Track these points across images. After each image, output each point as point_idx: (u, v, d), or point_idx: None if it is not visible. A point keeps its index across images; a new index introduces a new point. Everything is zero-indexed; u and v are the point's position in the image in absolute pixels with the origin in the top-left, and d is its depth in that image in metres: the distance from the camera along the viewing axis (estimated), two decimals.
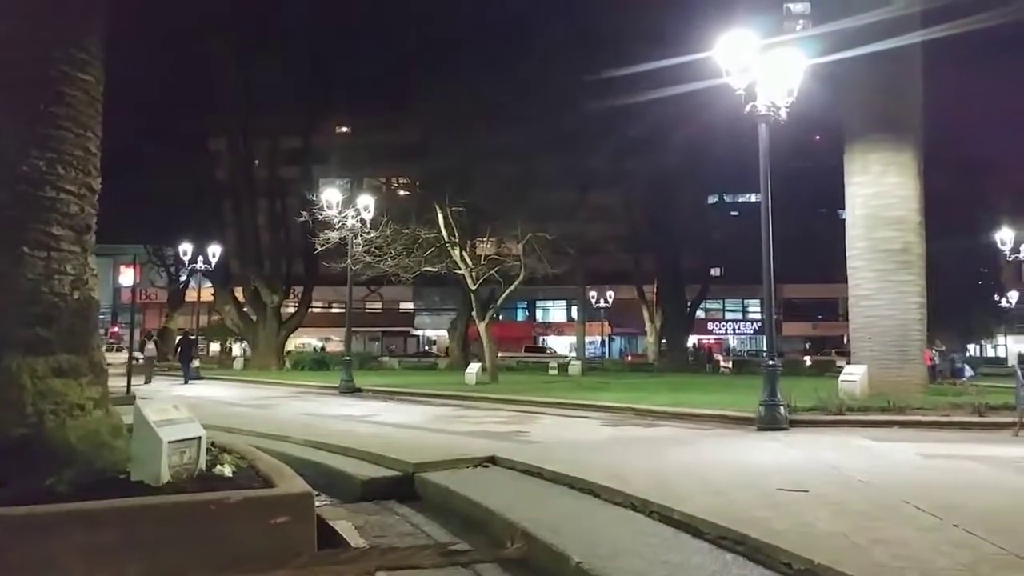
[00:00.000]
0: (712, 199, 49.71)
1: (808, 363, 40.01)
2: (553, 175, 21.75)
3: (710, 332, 58.93)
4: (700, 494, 5.49)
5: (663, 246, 40.13)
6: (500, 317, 50.72)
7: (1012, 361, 32.92)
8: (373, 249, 21.21)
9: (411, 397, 17.13)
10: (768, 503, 5.16)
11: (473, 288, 22.12)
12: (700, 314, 50.91)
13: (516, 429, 10.62)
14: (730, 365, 43.38)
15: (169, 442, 3.99)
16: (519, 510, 5.41)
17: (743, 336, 59.98)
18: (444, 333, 47.52)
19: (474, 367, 21.02)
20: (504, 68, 24.66)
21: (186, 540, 3.52)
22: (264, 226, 35.26)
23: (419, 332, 60.63)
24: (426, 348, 54.79)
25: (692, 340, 50.05)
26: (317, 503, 5.53)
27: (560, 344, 54.91)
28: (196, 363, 26.95)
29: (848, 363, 15.23)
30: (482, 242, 22.54)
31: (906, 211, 14.15)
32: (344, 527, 5.38)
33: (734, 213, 50.94)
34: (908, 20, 14.09)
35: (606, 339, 52.67)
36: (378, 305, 51.75)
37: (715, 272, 46.37)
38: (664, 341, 42.16)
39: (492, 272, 22.14)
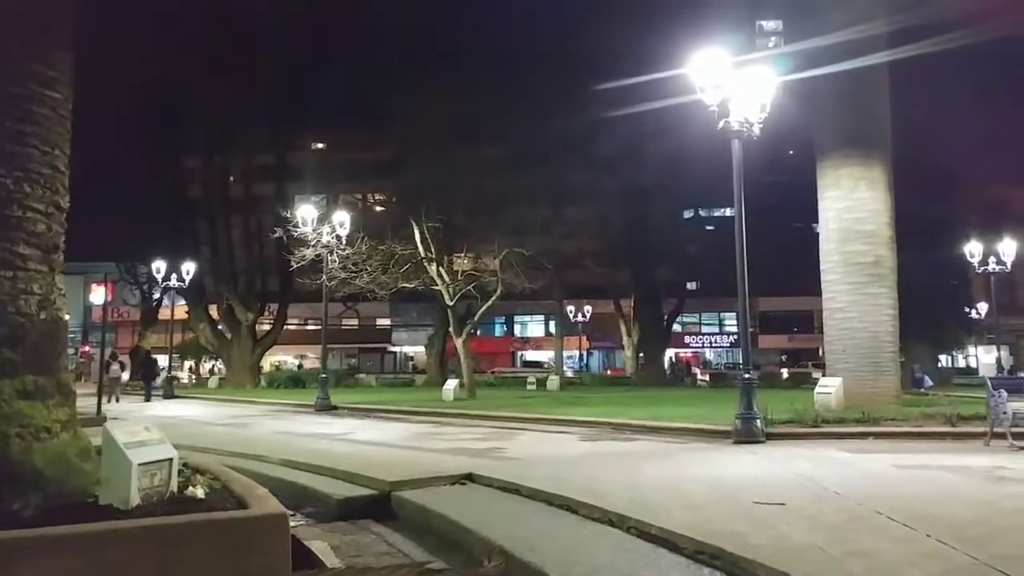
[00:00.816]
0: (688, 213, 50.05)
1: (785, 376, 40.32)
2: (530, 191, 21.84)
3: (687, 345, 59.20)
4: (677, 509, 5.49)
5: (639, 260, 40.32)
6: (478, 332, 50.68)
7: (983, 372, 33.44)
8: (349, 266, 21.11)
9: (388, 414, 17.01)
10: (745, 517, 5.17)
11: (450, 304, 22.08)
12: (677, 328, 51.12)
13: (494, 446, 10.57)
14: (707, 378, 43.60)
15: (139, 464, 3.91)
16: (496, 527, 5.38)
17: (720, 349, 60.29)
18: (422, 349, 47.32)
19: (451, 383, 20.93)
20: (481, 85, 24.77)
21: (157, 565, 3.45)
22: (239, 243, 34.97)
23: (396, 348, 60.30)
24: (412, 365, 54.52)
25: (669, 353, 50.24)
26: (292, 523, 5.45)
27: (544, 359, 54.92)
28: (157, 381, 26.73)
29: (823, 375, 15.37)
30: (459, 258, 22.51)
31: (877, 225, 14.37)
32: (319, 547, 5.31)
33: (709, 227, 51.32)
34: (875, 40, 14.38)
35: (584, 353, 52.66)
36: (355, 322, 51.44)
37: (691, 286, 46.61)
38: (642, 355, 42.28)
39: (469, 288, 22.11)
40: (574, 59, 28.30)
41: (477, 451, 9.91)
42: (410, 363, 56.07)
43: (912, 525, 4.79)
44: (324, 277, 20.04)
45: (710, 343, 60.79)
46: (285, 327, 37.78)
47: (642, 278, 41.49)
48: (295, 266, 21.83)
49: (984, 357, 43.31)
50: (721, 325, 60.22)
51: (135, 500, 3.83)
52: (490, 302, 22.56)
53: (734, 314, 52.79)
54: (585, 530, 5.36)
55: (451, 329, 22.89)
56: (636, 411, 14.66)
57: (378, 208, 28.34)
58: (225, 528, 3.75)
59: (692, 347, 59.91)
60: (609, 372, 51.16)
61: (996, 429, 9.60)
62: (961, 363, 47.13)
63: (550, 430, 12.98)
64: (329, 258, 19.92)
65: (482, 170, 22.59)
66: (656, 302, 41.94)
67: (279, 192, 32.54)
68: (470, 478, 7.48)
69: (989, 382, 10.33)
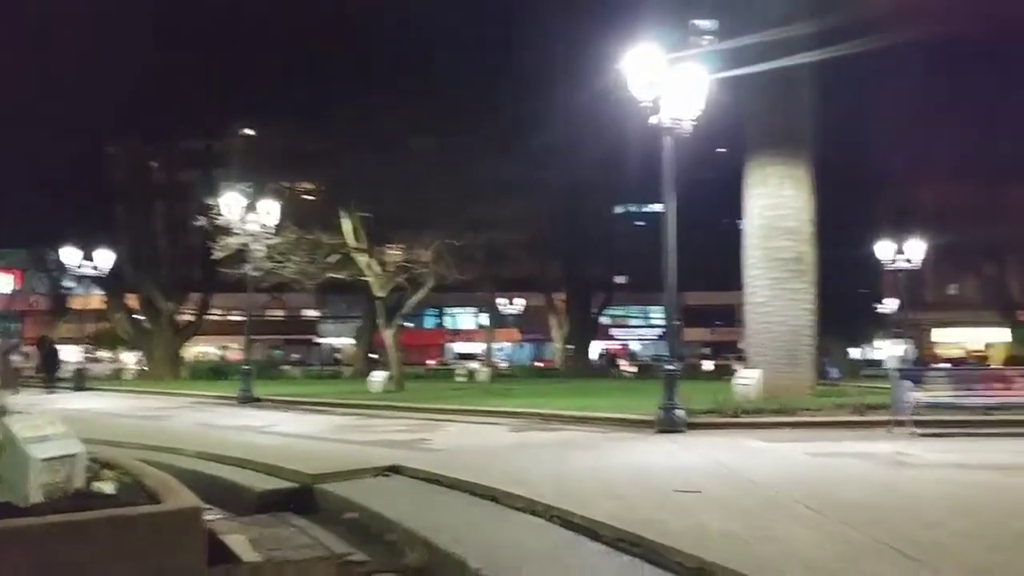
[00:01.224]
0: (619, 209, 50.78)
1: (708, 367, 41.45)
2: (464, 183, 21.71)
3: (614, 338, 60.19)
4: (600, 497, 5.58)
5: (571, 254, 40.76)
6: (410, 324, 50.30)
7: (889, 364, 35.03)
8: (275, 255, 20.59)
9: (313, 407, 16.72)
10: (665, 504, 5.29)
11: (380, 295, 21.81)
12: (605, 320, 51.96)
13: (420, 437, 10.52)
14: (633, 370, 44.47)
15: (42, 459, 3.74)
16: (420, 518, 5.36)
17: (646, 342, 61.51)
18: (350, 341, 46.73)
19: (379, 375, 20.70)
20: (415, 76, 24.52)
21: (59, 563, 3.31)
22: (161, 231, 33.73)
23: (324, 340, 59.37)
24: (336, 357, 53.72)
25: (598, 346, 50.97)
26: (209, 517, 5.32)
27: (475, 351, 54.94)
28: (63, 372, 25.61)
29: (744, 367, 15.84)
30: (390, 249, 22.24)
31: (800, 222, 14.85)
32: (237, 541, 5.19)
33: (640, 223, 52.24)
34: (803, 40, 14.83)
35: (516, 346, 53.00)
36: (280, 313, 50.33)
37: (620, 280, 47.39)
38: (571, 347, 42.80)
39: (400, 279, 21.89)
40: (511, 52, 28.33)
41: (403, 443, 9.84)
42: (336, 355, 55.28)
43: (821, 510, 4.99)
44: (249, 266, 19.52)
45: (637, 336, 61.97)
46: (208, 317, 36.72)
47: (573, 272, 41.98)
48: (219, 255, 21.20)
49: (892, 350, 45.40)
50: (648, 318, 61.43)
51: (35, 497, 3.66)
52: (421, 294, 22.38)
53: (660, 308, 53.97)
54: (509, 519, 5.40)
55: (380, 321, 22.61)
56: (564, 402, 14.82)
57: (307, 197, 27.74)
58: (135, 524, 3.62)
59: (619, 339, 60.94)
60: (539, 364, 51.65)
61: (899, 417, 10.09)
62: (871, 356, 49.26)
63: (479, 421, 12.99)
64: (255, 247, 19.42)
65: (415, 162, 22.37)
66: (586, 295, 42.51)
67: (204, 179, 31.45)
68: (395, 470, 7.43)
69: (894, 373, 10.85)
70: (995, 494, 5.80)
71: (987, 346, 50.50)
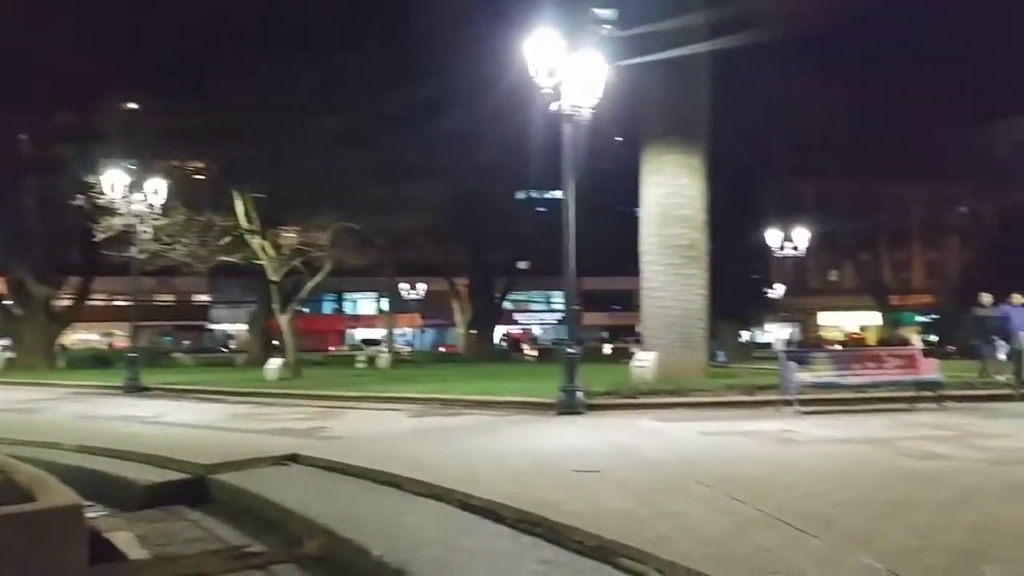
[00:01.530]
0: (521, 195, 51.09)
1: (607, 351, 42.41)
2: (363, 165, 21.25)
3: (517, 323, 60.75)
4: (501, 480, 5.62)
5: (473, 239, 40.75)
6: (306, 310, 49.06)
7: (777, 346, 36.87)
8: (163, 237, 19.59)
9: (205, 395, 16.08)
10: (564, 485, 5.38)
11: (275, 279, 21.14)
12: (508, 305, 52.29)
13: (319, 425, 10.30)
14: (535, 353, 45.03)
15: None
16: (319, 507, 5.26)
17: (547, 326, 62.37)
18: (244, 327, 45.18)
19: (275, 362, 20.10)
20: (312, 53, 23.74)
21: None
22: (32, 208, 31.44)
23: (216, 326, 57.16)
24: (231, 345, 51.81)
25: (500, 330, 51.31)
26: (92, 514, 5.04)
27: (376, 337, 54.19)
28: None
29: (641, 350, 16.28)
30: (286, 232, 21.57)
31: (694, 210, 15.32)
32: (124, 538, 4.95)
33: (541, 209, 52.74)
34: (699, 30, 15.26)
35: (418, 331, 52.65)
36: (170, 297, 48.07)
37: (523, 265, 47.79)
38: (474, 332, 42.90)
39: (296, 263, 21.27)
40: (413, 32, 27.84)
41: (301, 431, 9.61)
42: (230, 342, 53.36)
43: (712, 485, 5.19)
44: (135, 249, 18.50)
45: (539, 320, 62.76)
46: (90, 303, 34.63)
47: (476, 257, 42.02)
48: (101, 236, 19.99)
49: (779, 333, 47.81)
50: (549, 303, 62.26)
51: None
52: (318, 278, 21.83)
53: (562, 292, 54.66)
54: (410, 505, 5.36)
55: (275, 306, 21.94)
56: (466, 386, 14.83)
57: (198, 177, 26.47)
58: (5, 524, 3.37)
59: (522, 324, 61.55)
60: (442, 349, 51.52)
61: (785, 397, 10.64)
62: (760, 339, 51.72)
63: (379, 408, 12.83)
64: (141, 228, 18.41)
65: (312, 143, 21.71)
66: (488, 280, 42.66)
67: (82, 155, 29.46)
68: (293, 458, 7.26)
69: (782, 355, 11.41)
70: (871, 466, 6.19)
71: (862, 329, 54.00)
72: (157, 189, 18.41)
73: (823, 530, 3.94)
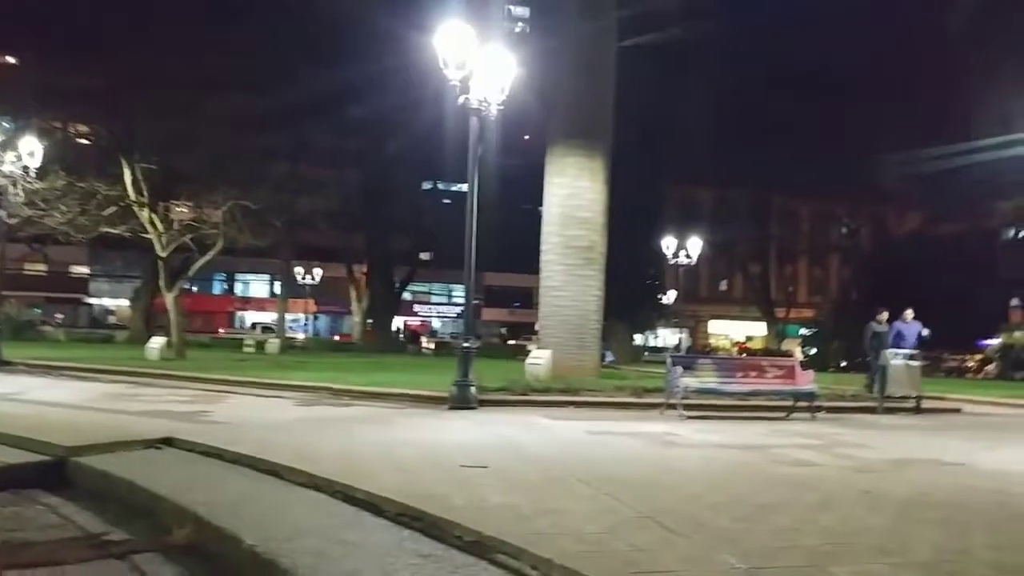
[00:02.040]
0: (427, 185, 50.73)
1: (507, 345, 42.67)
2: (262, 143, 20.56)
3: (416, 314, 60.28)
4: (386, 472, 5.54)
5: (375, 226, 40.14)
6: (194, 289, 47.02)
7: (682, 348, 38.18)
8: (38, 202, 18.31)
9: (77, 372, 15.17)
10: (450, 479, 5.35)
11: (162, 255, 20.14)
12: (407, 296, 51.85)
13: (200, 409, 9.89)
14: (432, 347, 44.82)
15: None
16: (192, 494, 5.03)
17: (447, 319, 62.23)
18: (126, 303, 42.90)
19: (157, 341, 19.18)
20: (225, 32, 22.77)
21: None
22: None
23: (95, 300, 53.95)
24: (112, 321, 48.97)
25: (399, 321, 50.78)
26: None
27: (268, 321, 52.55)
28: None
29: (537, 348, 16.45)
30: (177, 205, 20.59)
31: (593, 213, 15.59)
32: None
33: (446, 200, 52.55)
34: (605, 33, 15.54)
35: (311, 317, 51.36)
36: (43, 267, 44.97)
37: (425, 256, 47.46)
38: (370, 321, 42.28)
39: (186, 239, 20.34)
40: (329, 19, 27.13)
41: (180, 414, 9.20)
42: (111, 318, 50.54)
43: (595, 485, 5.29)
44: (3, 212, 17.20)
45: (438, 313, 62.48)
46: None
47: (377, 244, 41.40)
48: None
49: (671, 338, 49.44)
50: (450, 296, 62.09)
51: None
52: (209, 256, 20.96)
53: (462, 286, 54.25)
54: (290, 495, 5.21)
55: (162, 283, 20.91)
56: (358, 377, 14.60)
57: (83, 141, 24.84)
58: None
59: (421, 316, 61.12)
60: (337, 338, 50.51)
61: (671, 400, 10.98)
62: (652, 343, 53.30)
63: (265, 394, 12.45)
64: (12, 191, 17.12)
65: (210, 116, 20.86)
66: (388, 269, 42.12)
67: None
68: (168, 442, 6.94)
69: (669, 359, 11.79)
70: (746, 471, 6.47)
71: (747, 338, 56.55)
72: (33, 150, 17.15)
73: (695, 531, 4.07)
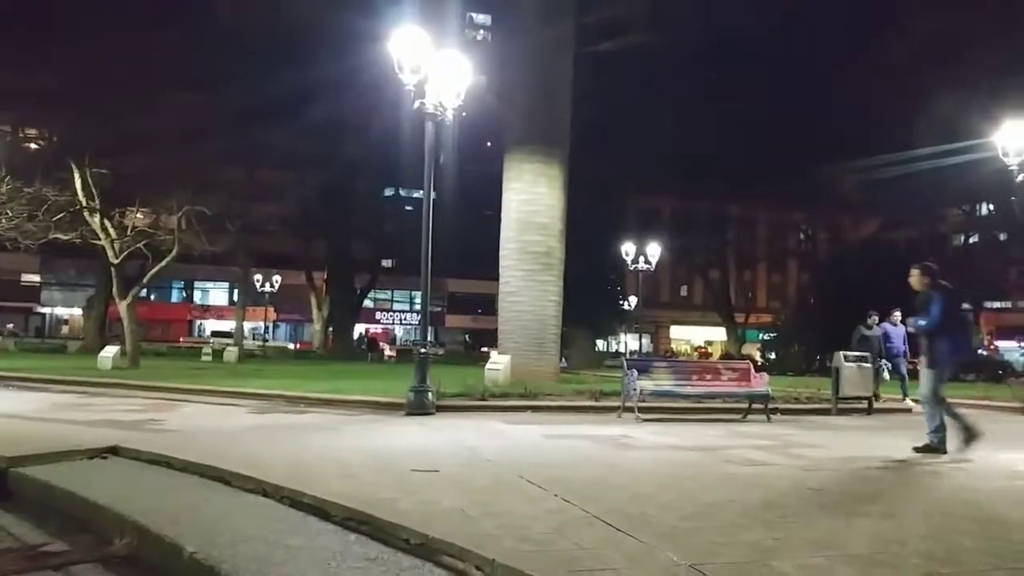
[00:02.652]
0: (389, 191, 50.53)
1: (473, 352, 42.60)
2: (217, 147, 20.23)
3: (378, 322, 59.88)
4: (335, 478, 5.49)
5: (336, 233, 39.84)
6: (152, 297, 46.15)
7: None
8: None
9: (25, 383, 14.78)
10: (399, 484, 5.32)
11: (115, 262, 19.72)
12: (369, 303, 51.50)
13: (151, 417, 9.71)
14: (394, 354, 44.57)
15: None
16: (135, 503, 4.93)
17: (409, 326, 61.92)
18: (79, 312, 41.90)
19: (110, 350, 18.77)
20: (170, 28, 22.41)
21: None
22: None
23: (47, 310, 52.62)
24: (64, 330, 47.72)
25: (360, 329, 50.40)
26: None
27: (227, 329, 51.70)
28: None
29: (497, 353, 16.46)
30: (131, 212, 20.17)
31: (551, 219, 15.70)
32: None
33: (408, 207, 52.37)
34: (562, 42, 15.66)
35: (270, 325, 50.70)
36: None
37: (387, 263, 47.23)
38: (331, 329, 41.89)
39: (140, 246, 19.94)
40: (281, 21, 26.88)
41: (130, 423, 9.02)
42: (64, 327, 49.32)
43: (546, 487, 5.29)
44: None
45: (400, 320, 62.12)
46: None
47: (337, 251, 41.10)
48: None
49: (632, 344, 49.82)
50: (412, 303, 61.79)
51: None
52: (164, 263, 20.58)
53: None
54: (236, 501, 5.14)
55: (115, 291, 20.47)
56: (315, 384, 14.45)
57: (31, 145, 24.21)
58: None
59: (383, 323, 60.73)
60: (297, 345, 49.95)
61: (627, 403, 11.06)
62: (613, 348, 53.68)
63: (219, 402, 12.27)
64: None
65: (162, 118, 20.49)
66: (349, 276, 41.83)
67: None
68: (114, 451, 6.80)
69: (624, 362, 11.87)
70: (697, 471, 6.53)
71: (707, 343, 57.23)
72: None
73: (641, 529, 4.10)
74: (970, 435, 7.38)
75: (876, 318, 14.55)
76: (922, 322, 7.65)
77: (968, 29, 21.64)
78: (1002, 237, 39.37)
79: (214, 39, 22.39)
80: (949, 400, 7.75)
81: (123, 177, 19.20)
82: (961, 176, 26.99)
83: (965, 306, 43.70)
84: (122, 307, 20.25)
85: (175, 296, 56.36)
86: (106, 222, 19.25)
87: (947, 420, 7.57)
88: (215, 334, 49.62)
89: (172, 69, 19.61)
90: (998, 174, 15.54)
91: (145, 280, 21.14)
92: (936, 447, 7.51)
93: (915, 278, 7.92)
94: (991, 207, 41.31)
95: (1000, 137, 14.34)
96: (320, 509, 4.70)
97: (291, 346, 49.97)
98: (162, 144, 19.22)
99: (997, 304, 49.05)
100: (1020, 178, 14.20)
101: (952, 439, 7.52)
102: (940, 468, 6.88)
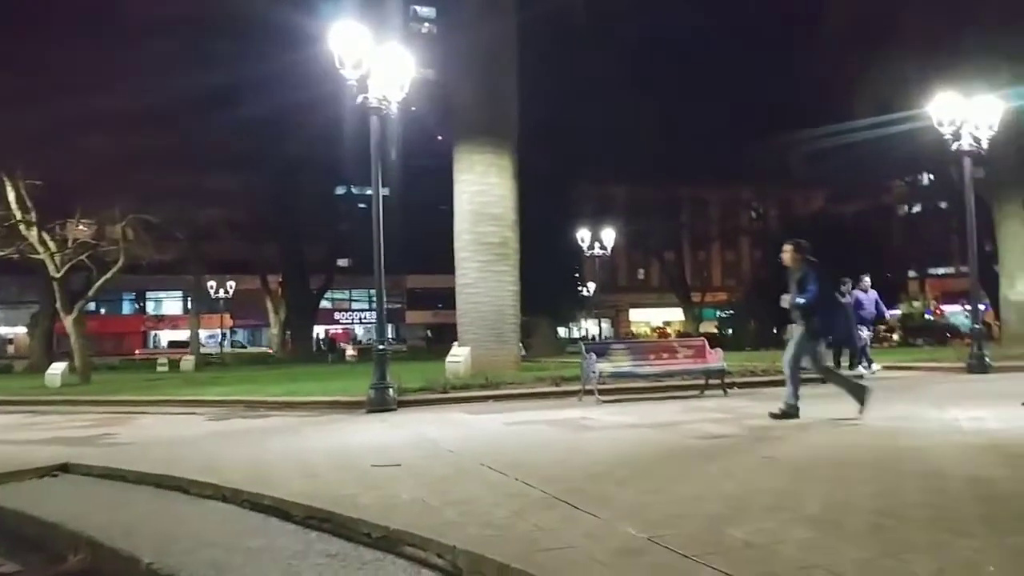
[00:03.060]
0: (340, 190, 49.98)
1: (433, 347, 42.45)
2: (163, 152, 19.75)
3: (337, 322, 59.29)
4: (295, 478, 5.45)
5: (288, 235, 39.30)
6: (102, 311, 45.01)
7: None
8: None
9: None
10: (360, 480, 5.30)
11: (57, 276, 19.15)
12: (327, 304, 50.93)
13: (104, 432, 9.51)
14: (356, 353, 44.23)
15: None
16: (88, 518, 4.84)
17: (369, 325, 61.37)
18: (24, 330, 40.68)
19: (58, 367, 18.27)
20: (101, 28, 21.75)
21: None
22: None
23: None
24: (8, 351, 46.29)
25: (319, 330, 49.85)
26: None
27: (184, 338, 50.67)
28: None
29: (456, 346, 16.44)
30: (72, 223, 19.62)
31: (504, 209, 15.71)
32: None
33: (361, 205, 51.86)
34: (507, 36, 15.65)
35: (227, 332, 49.88)
36: None
37: (343, 263, 46.72)
38: (289, 332, 41.37)
39: (83, 258, 19.40)
40: (223, 18, 26.32)
41: (82, 439, 8.82)
42: (9, 347, 47.85)
43: (507, 472, 5.32)
44: None
45: (360, 319, 61.58)
46: None
47: (291, 253, 40.54)
48: None
49: (593, 329, 50.23)
50: (371, 302, 61.20)
51: None
52: (110, 275, 20.07)
53: (385, 290, 53.35)
54: (195, 509, 5.09)
55: (59, 305, 19.89)
56: (274, 388, 14.29)
57: None
58: None
59: (343, 323, 60.15)
60: (255, 350, 49.26)
61: (587, 387, 11.16)
62: (576, 335, 54.00)
63: (176, 412, 12.07)
64: None
65: (103, 124, 19.90)
66: (304, 278, 41.31)
67: None
68: (65, 468, 6.67)
69: (583, 346, 11.96)
70: (656, 447, 6.62)
71: (665, 324, 57.92)
72: None
73: (600, 507, 4.15)
74: (788, 412, 7.85)
75: (849, 285, 14.17)
76: (800, 299, 7.89)
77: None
78: (943, 205, 40.50)
79: (147, 37, 21.81)
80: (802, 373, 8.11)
81: (60, 187, 18.61)
82: (902, 147, 27.65)
83: (911, 274, 44.90)
84: (68, 322, 19.70)
85: (127, 308, 55.07)
86: (44, 235, 18.67)
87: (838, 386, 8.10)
88: (172, 344, 48.64)
89: (103, 70, 19.00)
90: (935, 143, 15.96)
91: (91, 293, 20.55)
92: (789, 412, 7.88)
93: (788, 254, 8.17)
94: (931, 177, 42.45)
95: (934, 108, 14.74)
96: (281, 510, 4.67)
97: (251, 349, 49.29)
98: (99, 151, 18.65)
99: (941, 270, 50.55)
100: (955, 147, 14.61)
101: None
102: (882, 427, 7.10)
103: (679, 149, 38.24)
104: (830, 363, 7.77)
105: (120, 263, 19.75)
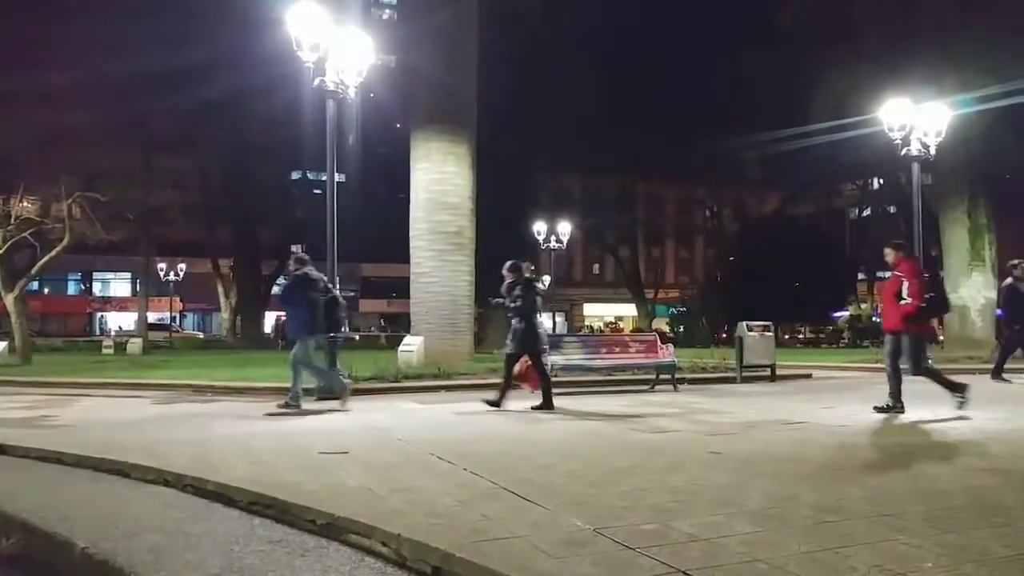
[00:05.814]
0: (296, 175, 49.23)
1: (384, 339, 42.08)
2: (111, 130, 19.17)
3: None
4: (240, 464, 5.37)
5: (241, 219, 38.59)
6: (46, 290, 43.69)
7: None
8: None
9: None
10: (307, 466, 5.24)
11: None
12: (279, 290, 50.18)
13: (44, 414, 9.24)
14: None
15: None
16: (22, 501, 4.72)
17: None
18: None
19: None
20: (50, 2, 21.04)
21: None
22: None
23: None
24: None
25: (272, 316, 49.06)
26: None
27: (125, 321, 49.47)
28: None
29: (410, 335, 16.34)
30: (15, 199, 18.94)
31: (461, 198, 15.64)
32: None
33: (316, 191, 51.15)
34: (466, 24, 15.55)
35: (176, 315, 48.79)
36: None
37: (297, 248, 46.04)
38: (239, 318, 40.68)
39: (26, 235, 18.76)
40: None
41: (19, 420, 8.56)
42: None
43: (455, 462, 5.31)
44: None
45: None
46: None
47: (243, 238, 39.81)
48: None
49: (546, 322, 50.38)
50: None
51: None
52: (54, 253, 19.46)
53: (338, 278, 52.73)
54: (134, 493, 4.98)
55: (0, 283, 19.26)
56: (222, 373, 14.05)
57: None
58: None
59: None
60: (204, 335, 48.35)
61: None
62: None
63: (120, 395, 11.78)
64: None
65: (49, 100, 19.25)
66: (257, 263, 40.63)
67: None
68: (1, 450, 6.46)
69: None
70: (605, 440, 6.68)
71: (618, 319, 58.44)
72: None
73: (548, 498, 4.17)
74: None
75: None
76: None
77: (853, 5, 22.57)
78: (892, 210, 41.58)
79: (99, 13, 21.13)
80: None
81: (1, 162, 17.94)
82: (853, 152, 28.29)
83: (860, 276, 45.92)
84: (9, 300, 19.04)
85: (72, 288, 53.49)
86: None
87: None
88: (152, 327, 47.56)
89: (51, 45, 18.33)
90: (886, 148, 16.37)
91: (33, 271, 19.89)
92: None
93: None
94: (881, 181, 43.55)
95: (885, 113, 15.10)
96: (224, 495, 4.60)
97: (200, 335, 48.35)
98: (44, 126, 17.99)
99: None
100: (903, 152, 15.00)
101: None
102: (830, 428, 7.27)
103: (635, 143, 38.46)
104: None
105: (65, 242, 19.12)
